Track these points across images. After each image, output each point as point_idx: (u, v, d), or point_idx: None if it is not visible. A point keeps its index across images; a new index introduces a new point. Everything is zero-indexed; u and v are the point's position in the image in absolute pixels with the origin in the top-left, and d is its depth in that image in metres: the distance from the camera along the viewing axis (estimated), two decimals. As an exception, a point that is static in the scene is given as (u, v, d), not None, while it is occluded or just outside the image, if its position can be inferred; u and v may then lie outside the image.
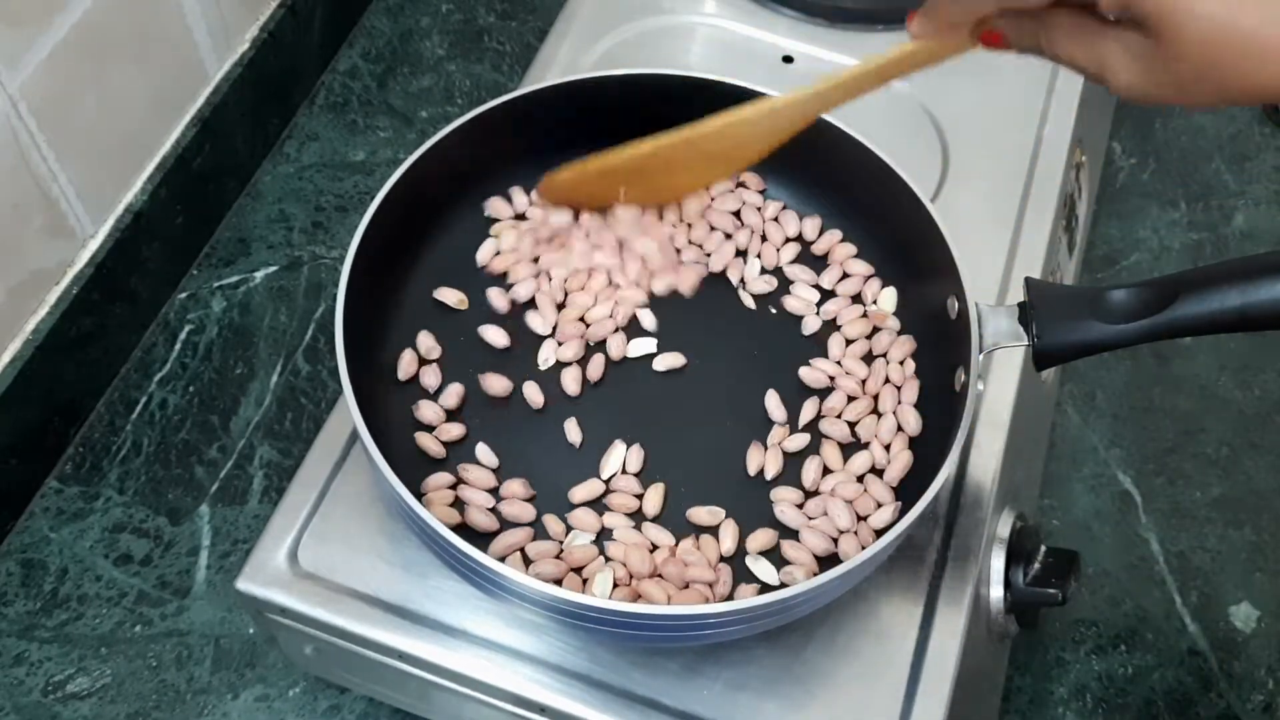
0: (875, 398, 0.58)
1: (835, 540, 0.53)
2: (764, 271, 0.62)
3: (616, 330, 0.59)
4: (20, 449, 0.69)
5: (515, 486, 0.54)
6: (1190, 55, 0.38)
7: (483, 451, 0.55)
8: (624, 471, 0.56)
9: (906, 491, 0.55)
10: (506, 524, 0.54)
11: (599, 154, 0.58)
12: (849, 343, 0.60)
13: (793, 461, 0.56)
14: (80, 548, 0.69)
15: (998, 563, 0.58)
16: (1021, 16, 0.44)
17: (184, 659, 0.66)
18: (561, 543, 0.53)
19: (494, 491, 0.55)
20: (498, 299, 0.60)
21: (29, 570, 0.69)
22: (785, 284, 0.62)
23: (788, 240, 0.63)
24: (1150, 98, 0.41)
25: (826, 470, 0.56)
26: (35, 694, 0.65)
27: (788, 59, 0.75)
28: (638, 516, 0.54)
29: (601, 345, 0.59)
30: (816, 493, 0.55)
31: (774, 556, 0.54)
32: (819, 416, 0.57)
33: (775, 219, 0.63)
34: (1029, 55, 0.45)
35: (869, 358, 0.59)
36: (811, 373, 0.58)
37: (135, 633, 0.67)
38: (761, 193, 0.64)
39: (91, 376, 0.74)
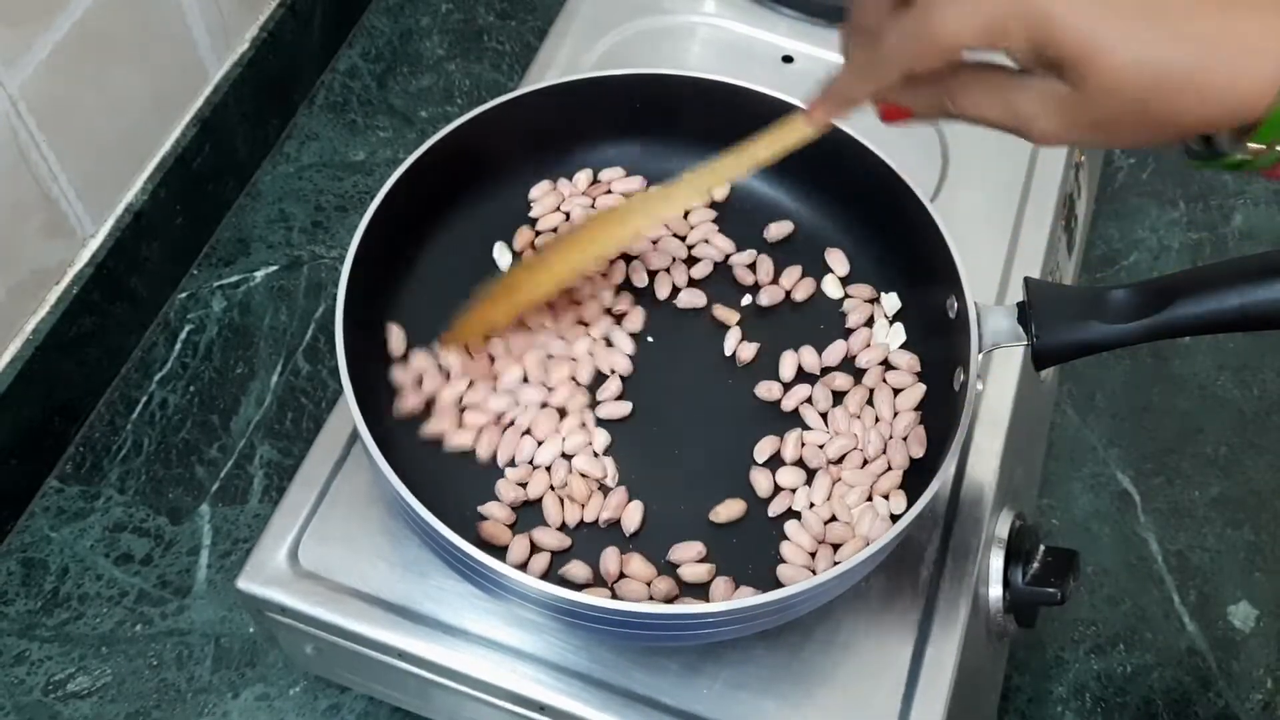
0: (871, 391, 0.58)
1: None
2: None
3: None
4: (21, 448, 0.69)
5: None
6: (1116, 98, 0.37)
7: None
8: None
9: (905, 491, 0.55)
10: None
11: (484, 298, 0.57)
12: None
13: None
14: (81, 547, 0.70)
15: (997, 562, 0.58)
16: (922, 84, 0.41)
17: (184, 658, 0.66)
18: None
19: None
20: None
21: (29, 569, 0.69)
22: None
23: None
24: (1071, 141, 0.40)
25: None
26: (36, 693, 0.65)
27: (787, 59, 0.75)
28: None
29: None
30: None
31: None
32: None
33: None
34: (933, 120, 0.43)
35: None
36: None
37: (136, 632, 0.67)
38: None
39: (92, 376, 0.74)
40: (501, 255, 0.61)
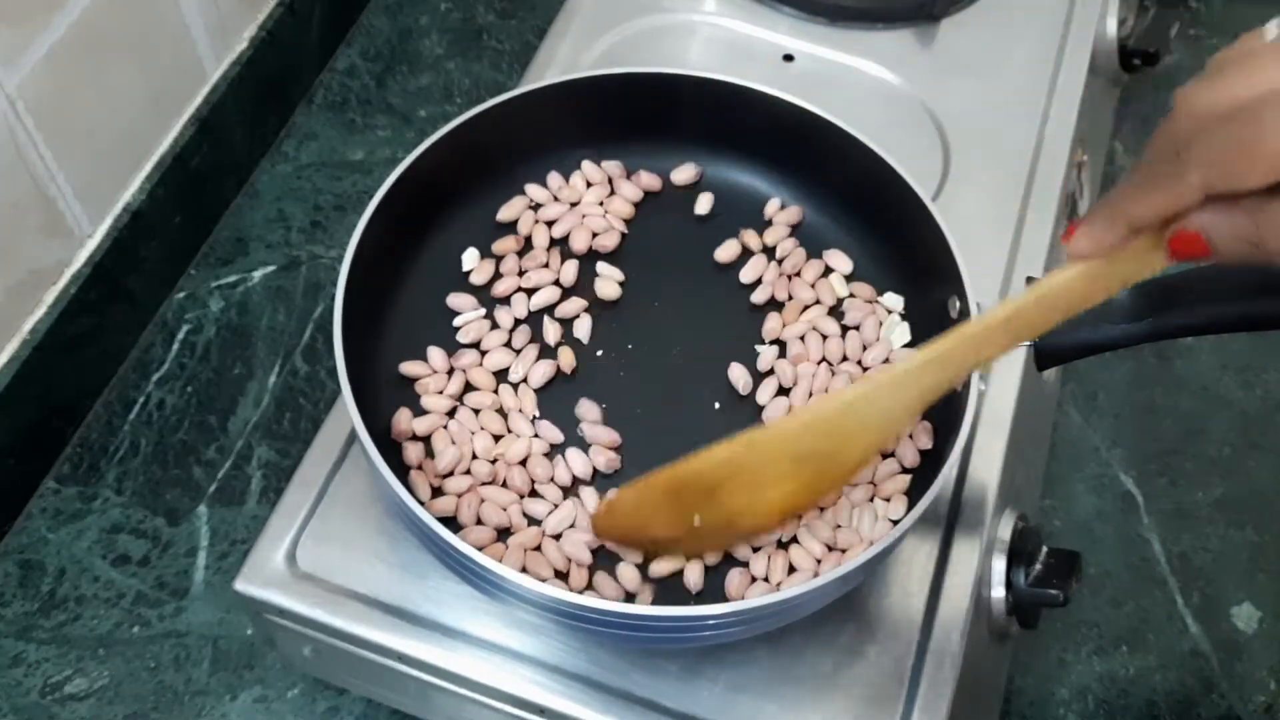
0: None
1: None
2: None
3: None
4: (18, 449, 0.69)
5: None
6: None
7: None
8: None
9: (907, 493, 0.55)
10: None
11: (662, 470, 0.49)
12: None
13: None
14: (78, 548, 0.69)
15: (999, 564, 0.58)
16: (1228, 209, 0.34)
17: (182, 660, 0.66)
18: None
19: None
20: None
21: (27, 571, 0.69)
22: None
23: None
24: None
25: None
26: (33, 695, 0.65)
27: (788, 57, 0.75)
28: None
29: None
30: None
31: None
32: None
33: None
34: (1240, 264, 0.35)
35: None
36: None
37: (133, 634, 0.67)
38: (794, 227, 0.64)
39: (89, 377, 0.74)
40: (470, 262, 0.61)
